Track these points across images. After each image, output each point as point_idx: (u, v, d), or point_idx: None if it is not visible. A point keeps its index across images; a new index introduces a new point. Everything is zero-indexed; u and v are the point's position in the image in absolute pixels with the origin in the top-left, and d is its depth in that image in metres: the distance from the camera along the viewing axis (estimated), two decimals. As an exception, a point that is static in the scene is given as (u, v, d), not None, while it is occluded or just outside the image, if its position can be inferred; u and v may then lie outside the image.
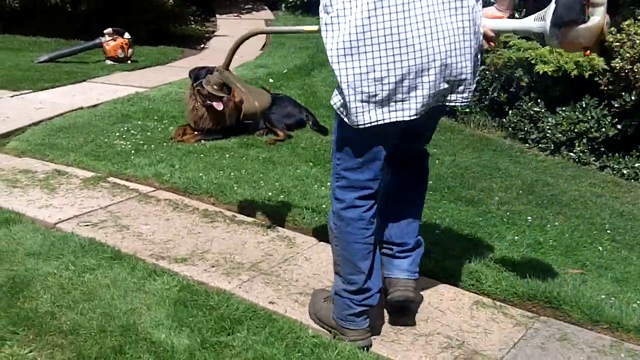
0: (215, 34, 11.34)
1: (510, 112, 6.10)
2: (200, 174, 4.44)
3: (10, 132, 5.30)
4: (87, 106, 6.11)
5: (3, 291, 2.92)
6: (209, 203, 4.10)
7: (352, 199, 2.60)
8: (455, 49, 2.42)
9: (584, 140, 5.56)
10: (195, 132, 5.34)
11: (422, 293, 3.09)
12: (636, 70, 5.27)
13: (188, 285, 3.03)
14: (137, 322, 2.73)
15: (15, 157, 4.79)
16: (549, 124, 5.71)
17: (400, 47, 2.34)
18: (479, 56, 2.58)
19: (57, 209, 3.87)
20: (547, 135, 5.72)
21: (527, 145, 5.88)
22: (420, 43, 2.35)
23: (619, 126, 5.54)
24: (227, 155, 4.91)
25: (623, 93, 5.49)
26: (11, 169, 4.51)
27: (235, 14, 12.92)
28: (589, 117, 5.56)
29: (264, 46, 10.25)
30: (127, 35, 8.31)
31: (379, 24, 2.33)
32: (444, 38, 2.38)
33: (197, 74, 5.31)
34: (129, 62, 8.29)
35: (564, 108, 5.73)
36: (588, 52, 2.73)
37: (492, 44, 2.72)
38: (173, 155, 4.86)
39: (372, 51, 2.35)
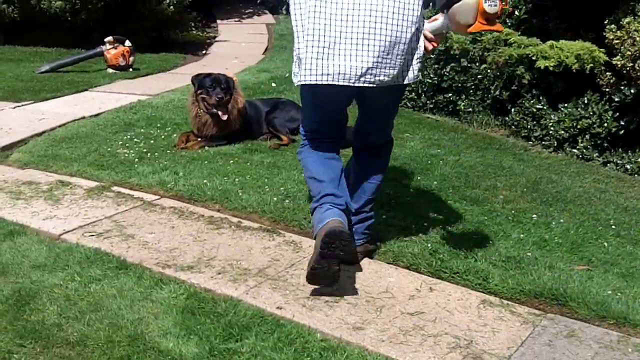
0: (217, 39, 11.36)
1: (512, 110, 6.09)
2: (205, 181, 4.45)
3: (13, 144, 5.31)
4: (90, 115, 6.12)
5: (9, 304, 2.93)
6: (214, 210, 4.10)
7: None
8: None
9: (587, 137, 5.55)
10: (199, 139, 5.34)
11: (429, 294, 3.09)
12: (637, 67, 5.25)
13: (195, 292, 3.03)
14: (145, 332, 2.73)
15: (18, 169, 4.80)
16: (552, 121, 5.70)
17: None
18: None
19: (62, 219, 3.87)
20: (550, 132, 5.70)
21: (530, 142, 5.87)
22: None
23: (621, 122, 5.53)
24: (232, 161, 4.91)
25: (622, 87, 5.48)
26: (15, 180, 4.52)
27: (236, 19, 12.94)
28: (591, 113, 5.55)
29: (265, 50, 10.27)
30: (128, 43, 8.33)
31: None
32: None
33: (200, 81, 5.32)
34: (131, 69, 8.30)
35: (566, 105, 5.72)
36: (492, 27, 2.88)
37: (434, 44, 3.06)
38: (177, 162, 4.86)
39: None
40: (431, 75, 6.58)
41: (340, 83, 3.00)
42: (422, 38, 3.03)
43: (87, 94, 7.05)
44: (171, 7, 9.91)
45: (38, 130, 5.61)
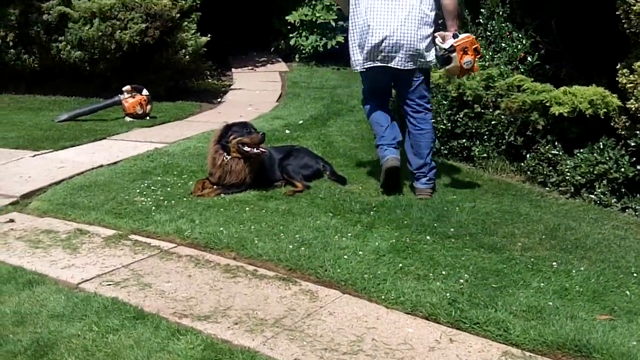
0: (232, 87, 11.48)
1: (527, 155, 6.09)
2: (221, 228, 4.45)
3: (32, 192, 5.36)
4: (108, 164, 6.18)
5: (27, 355, 2.92)
6: (230, 258, 4.10)
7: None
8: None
9: (604, 182, 5.53)
10: (215, 186, 5.37)
11: (449, 345, 3.06)
12: (653, 110, 5.26)
13: (212, 343, 3.01)
14: (162, 383, 2.71)
15: (37, 217, 4.83)
16: (568, 166, 5.69)
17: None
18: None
19: (80, 268, 3.89)
20: (567, 178, 5.69)
21: (546, 188, 5.85)
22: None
23: (638, 166, 5.51)
24: (247, 208, 4.92)
25: (638, 132, 5.47)
26: (33, 229, 4.55)
27: (250, 67, 13.09)
28: (607, 158, 5.54)
29: (279, 97, 10.37)
30: (145, 92, 8.44)
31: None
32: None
33: (232, 129, 5.40)
34: (148, 118, 8.39)
35: (581, 150, 5.71)
36: (471, 73, 5.59)
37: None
38: (193, 210, 4.88)
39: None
40: (444, 122, 6.61)
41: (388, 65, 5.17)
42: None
43: (105, 142, 7.13)
44: (187, 56, 10.05)
45: (57, 179, 5.66)
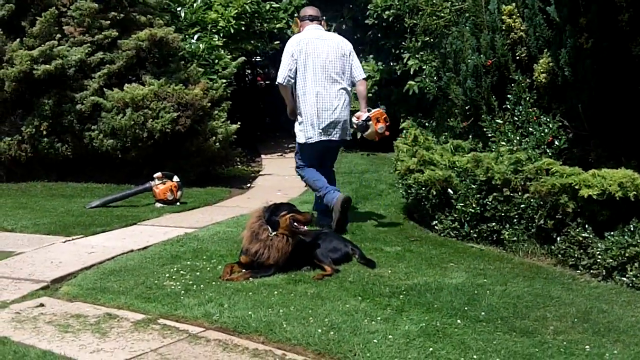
0: (261, 172, 11.63)
1: (558, 238, 6.04)
2: (249, 312, 4.45)
3: (63, 277, 5.41)
4: (138, 248, 6.24)
5: None
6: (259, 342, 4.08)
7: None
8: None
9: (636, 264, 5.44)
10: (244, 270, 5.40)
11: None
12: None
13: None
14: None
15: (67, 302, 4.87)
16: (599, 249, 5.63)
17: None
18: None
19: (109, 352, 3.89)
20: (598, 260, 5.62)
21: (578, 271, 5.78)
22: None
23: (671, 249, 5.44)
24: (276, 292, 4.92)
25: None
26: (63, 314, 4.58)
27: (279, 153, 13.28)
28: (639, 241, 5.47)
29: (308, 183, 10.45)
30: (176, 178, 8.58)
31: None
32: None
33: (278, 207, 5.57)
34: (178, 203, 8.51)
35: (612, 232, 5.66)
36: (384, 136, 7.05)
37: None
38: (222, 294, 4.88)
39: None
40: (473, 205, 6.61)
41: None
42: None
43: (135, 228, 7.22)
44: (217, 143, 10.25)
45: (87, 264, 5.72)
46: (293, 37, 6.98)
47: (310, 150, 6.92)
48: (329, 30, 7.88)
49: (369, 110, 6.85)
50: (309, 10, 7.19)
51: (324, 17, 7.21)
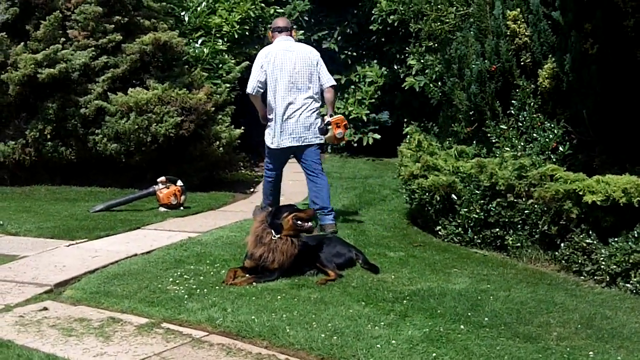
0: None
1: (562, 244, 6.03)
2: (253, 317, 4.44)
3: (67, 281, 5.40)
4: (141, 253, 6.24)
5: None
6: (262, 346, 4.08)
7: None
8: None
9: (640, 271, 5.45)
10: (248, 275, 5.40)
11: None
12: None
13: None
14: None
15: (70, 306, 4.87)
16: (603, 255, 5.62)
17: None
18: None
19: (112, 356, 3.89)
20: (602, 266, 5.61)
21: (582, 277, 5.77)
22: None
23: (675, 255, 5.43)
24: (279, 297, 4.91)
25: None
26: (67, 317, 4.58)
27: (283, 158, 13.27)
28: (643, 247, 5.47)
29: (311, 188, 10.45)
30: (179, 182, 8.59)
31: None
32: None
33: (279, 210, 5.62)
34: (182, 208, 8.51)
35: (616, 239, 5.65)
36: (342, 141, 7.81)
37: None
38: (225, 298, 4.88)
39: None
40: (477, 211, 6.61)
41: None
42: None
43: (139, 232, 7.22)
44: (221, 148, 10.25)
45: (91, 268, 5.72)
46: (262, 49, 7.46)
47: (278, 155, 7.31)
48: (300, 41, 8.24)
49: (331, 116, 7.28)
50: (279, 22, 7.64)
51: (294, 27, 7.65)
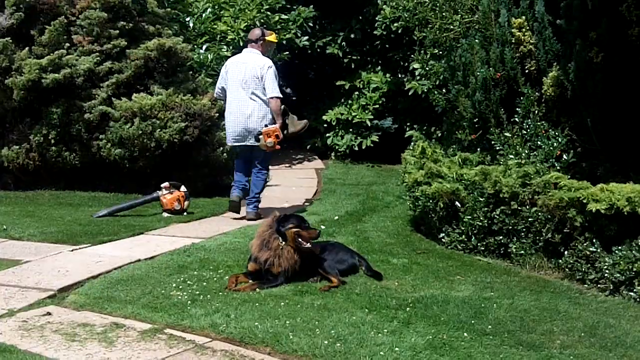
0: (269, 183, 11.61)
1: (565, 252, 6.03)
2: (256, 323, 4.44)
3: (70, 286, 5.41)
4: (145, 258, 6.24)
5: None
6: (265, 353, 4.08)
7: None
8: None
9: (644, 279, 5.43)
10: (250, 280, 5.40)
11: None
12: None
13: None
14: None
15: (74, 311, 4.87)
16: (606, 263, 5.61)
17: None
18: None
19: (115, 362, 3.89)
20: (605, 275, 5.60)
21: (585, 286, 5.76)
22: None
23: (679, 264, 5.42)
24: (282, 303, 4.91)
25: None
26: (70, 322, 4.58)
27: (287, 164, 13.29)
28: (647, 256, 5.46)
29: (315, 194, 10.46)
30: (183, 188, 8.59)
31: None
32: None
33: (288, 218, 5.59)
34: (185, 213, 8.51)
35: (620, 247, 5.64)
36: (275, 149, 8.19)
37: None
38: (229, 304, 4.88)
39: None
40: (481, 218, 6.60)
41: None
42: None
43: (142, 237, 7.22)
44: (225, 154, 10.25)
45: (94, 273, 5.72)
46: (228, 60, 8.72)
47: (235, 151, 8.64)
48: (275, 50, 9.62)
49: (266, 125, 8.05)
50: (249, 34, 8.70)
51: (263, 38, 8.39)
